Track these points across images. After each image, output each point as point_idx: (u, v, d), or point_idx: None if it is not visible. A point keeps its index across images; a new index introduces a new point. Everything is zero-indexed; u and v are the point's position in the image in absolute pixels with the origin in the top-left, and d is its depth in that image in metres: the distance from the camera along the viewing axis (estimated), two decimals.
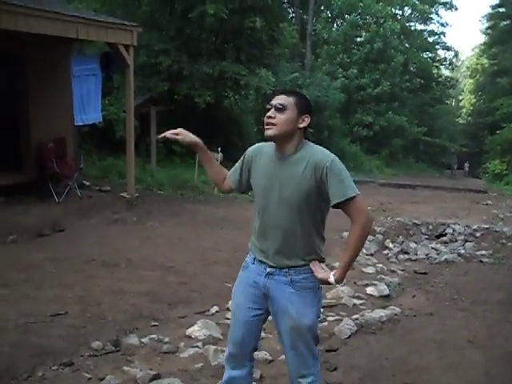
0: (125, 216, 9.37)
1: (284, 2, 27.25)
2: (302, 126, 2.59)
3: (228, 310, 4.83)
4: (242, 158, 2.83)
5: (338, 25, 37.85)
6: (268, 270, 2.66)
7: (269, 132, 2.58)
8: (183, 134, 2.79)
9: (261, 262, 2.69)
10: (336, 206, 2.52)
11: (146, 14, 18.27)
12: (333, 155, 2.57)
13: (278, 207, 2.59)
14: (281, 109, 2.56)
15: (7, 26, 7.81)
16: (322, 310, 5.04)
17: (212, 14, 15.92)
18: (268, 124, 2.58)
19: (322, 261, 2.66)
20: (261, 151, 2.73)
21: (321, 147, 2.63)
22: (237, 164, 2.85)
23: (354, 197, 2.48)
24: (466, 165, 40.42)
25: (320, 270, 2.59)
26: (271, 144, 2.67)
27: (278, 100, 2.59)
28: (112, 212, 9.44)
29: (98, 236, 7.91)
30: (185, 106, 17.35)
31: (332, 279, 2.55)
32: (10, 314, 4.62)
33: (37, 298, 5.09)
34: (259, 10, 18.60)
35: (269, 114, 2.58)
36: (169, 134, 2.78)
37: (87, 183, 10.91)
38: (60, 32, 8.71)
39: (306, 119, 2.60)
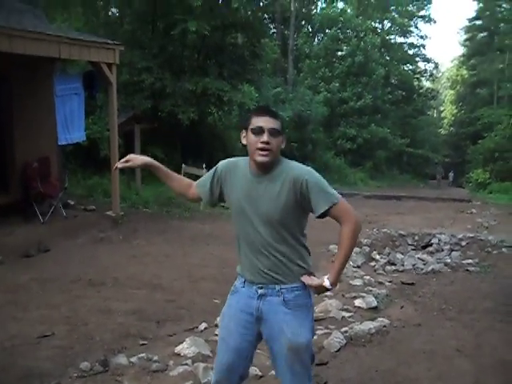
0: (110, 235, 9.33)
1: (265, 18, 27.49)
2: (283, 147, 2.60)
3: (216, 326, 4.81)
4: (212, 170, 2.77)
5: (319, 39, 38.22)
6: (260, 291, 2.62)
7: (265, 159, 2.52)
8: (132, 159, 2.82)
9: (251, 283, 2.65)
10: (323, 215, 2.53)
11: (128, 33, 18.36)
12: (308, 168, 2.59)
13: (258, 225, 2.58)
14: (275, 133, 2.53)
15: None
16: None
17: (194, 31, 16.05)
18: (264, 150, 2.51)
19: (310, 273, 2.65)
20: (234, 168, 2.69)
21: (295, 162, 2.63)
22: (206, 176, 2.80)
23: (338, 201, 2.52)
24: (451, 174, 40.70)
25: (311, 280, 2.59)
26: (245, 160, 2.65)
27: (271, 124, 2.52)
28: (98, 231, 9.40)
29: (84, 255, 7.86)
30: (168, 123, 17.38)
31: (327, 283, 2.55)
32: None
33: (23, 320, 5.04)
34: (241, 27, 18.76)
35: (265, 139, 2.50)
36: (119, 164, 2.81)
37: (72, 202, 10.85)
38: (43, 52, 8.71)
39: (284, 140, 2.61)
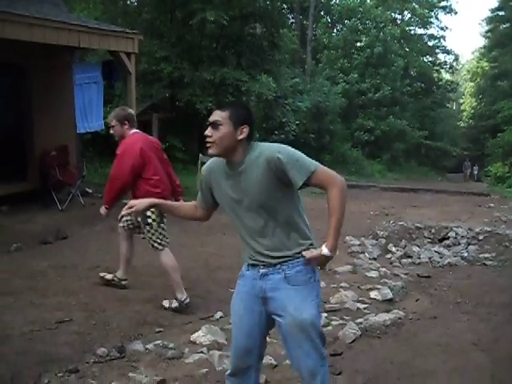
0: None
1: (284, 8, 27.33)
2: (241, 137, 2.62)
3: None
4: (200, 179, 2.92)
5: (338, 30, 37.97)
6: (261, 270, 2.69)
7: (209, 151, 2.65)
8: (136, 204, 2.91)
9: (254, 265, 2.73)
10: (304, 185, 2.56)
11: (147, 22, 18.38)
12: (278, 144, 2.65)
13: (249, 213, 2.66)
14: (215, 126, 2.60)
15: (10, 36, 7.86)
16: (326, 314, 5.09)
17: (212, 21, 16.01)
18: (207, 142, 2.63)
19: (311, 247, 2.68)
20: (213, 168, 2.80)
21: (267, 143, 2.69)
22: (198, 188, 2.93)
23: (316, 169, 2.55)
24: (476, 168, 39.43)
25: (310, 253, 2.60)
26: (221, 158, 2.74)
27: (213, 117, 2.63)
28: (115, 219, 9.42)
29: (101, 243, 7.91)
30: (186, 112, 17.40)
31: (325, 250, 2.55)
32: (16, 321, 4.63)
33: (42, 306, 5.10)
34: (259, 17, 18.70)
35: (206, 132, 2.62)
36: (124, 212, 2.95)
37: (90, 190, 10.94)
38: (62, 41, 8.78)
39: (244, 130, 2.63)
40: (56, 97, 10.35)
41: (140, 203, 2.93)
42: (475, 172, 39.05)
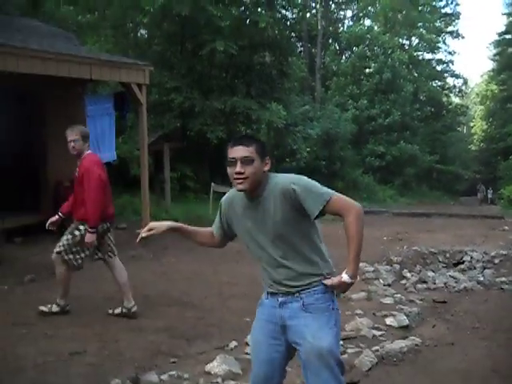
0: (141, 252, 9.39)
1: (292, 37, 27.65)
2: (266, 169, 2.67)
3: (247, 344, 4.79)
4: (218, 209, 2.94)
5: (346, 57, 38.26)
6: (280, 299, 2.70)
7: (241, 187, 2.64)
8: (156, 226, 2.90)
9: (273, 294, 2.74)
10: (321, 215, 2.58)
11: (158, 53, 18.65)
12: (295, 176, 2.67)
13: (267, 245, 2.68)
14: (248, 162, 2.61)
15: (25, 70, 8.00)
16: (341, 342, 5.02)
17: (222, 51, 16.21)
18: (238, 179, 2.62)
19: (329, 276, 2.69)
20: (233, 199, 2.83)
21: (282, 174, 2.71)
22: (217, 217, 2.97)
23: (331, 197, 2.56)
24: (490, 191, 37.81)
25: (330, 281, 2.63)
26: None
27: (241, 153, 2.62)
28: (128, 249, 9.46)
29: None
30: (197, 142, 17.53)
31: (345, 277, 2.58)
32: (29, 353, 4.62)
33: (55, 337, 5.09)
34: (268, 46, 18.93)
35: (237, 169, 2.60)
36: (143, 233, 2.91)
37: None
38: (75, 73, 8.90)
39: (268, 162, 2.68)
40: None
41: (161, 226, 2.92)
42: (489, 195, 38.07)
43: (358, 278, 7.83)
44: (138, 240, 2.97)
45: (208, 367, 4.42)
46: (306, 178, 2.66)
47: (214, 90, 17.93)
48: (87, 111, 10.31)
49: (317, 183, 2.63)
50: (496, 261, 9.99)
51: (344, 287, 2.63)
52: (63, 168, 10.25)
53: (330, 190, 2.60)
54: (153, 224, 2.93)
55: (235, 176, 2.62)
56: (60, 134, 10.21)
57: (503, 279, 8.66)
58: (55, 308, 5.72)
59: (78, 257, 5.64)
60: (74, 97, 10.45)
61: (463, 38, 42.62)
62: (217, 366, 4.40)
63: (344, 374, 2.75)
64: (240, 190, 2.67)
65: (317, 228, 2.75)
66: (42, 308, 5.70)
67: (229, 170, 2.65)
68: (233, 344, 5.09)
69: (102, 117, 10.59)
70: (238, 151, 2.62)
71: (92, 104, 10.48)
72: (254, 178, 2.62)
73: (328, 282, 2.63)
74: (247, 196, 2.70)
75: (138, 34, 21.82)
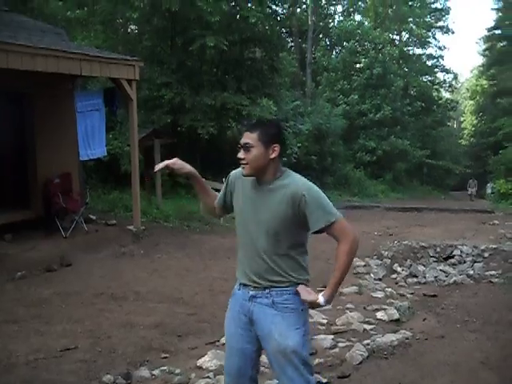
0: (132, 249, 9.39)
1: (283, 32, 27.59)
2: (273, 156, 2.66)
3: None
4: (226, 179, 2.91)
5: (337, 52, 38.24)
6: (251, 292, 2.72)
7: (243, 171, 2.71)
8: (179, 164, 2.82)
9: (245, 285, 2.76)
10: (318, 232, 2.60)
11: (148, 49, 18.55)
12: (309, 184, 2.66)
13: (256, 230, 2.68)
14: (246, 148, 2.64)
15: (14, 66, 7.94)
16: (332, 336, 5.06)
17: (212, 47, 16.16)
18: (242, 164, 2.69)
19: (306, 283, 2.70)
20: (241, 176, 2.80)
21: (299, 176, 2.70)
22: (222, 188, 2.93)
23: (336, 220, 2.57)
24: (489, 185, 34.16)
25: (307, 294, 2.63)
26: None
27: (244, 139, 2.66)
28: (119, 245, 9.46)
29: (105, 270, 7.92)
30: (188, 137, 17.49)
31: (321, 300, 2.60)
32: (21, 350, 4.62)
33: (46, 333, 5.09)
34: (259, 41, 18.88)
35: (239, 155, 2.67)
36: (164, 164, 2.80)
37: (93, 217, 10.94)
38: (64, 69, 8.85)
39: (275, 149, 2.67)
40: (58, 124, 10.42)
41: (184, 166, 2.82)
42: (488, 190, 33.66)
43: (349, 272, 7.88)
44: (156, 169, 2.86)
45: (199, 362, 4.44)
46: (317, 189, 2.65)
47: (205, 86, 17.87)
48: (77, 107, 10.28)
49: (326, 199, 2.63)
50: (486, 255, 10.06)
51: (314, 306, 2.66)
52: (52, 165, 10.23)
53: (337, 213, 2.61)
54: (177, 160, 2.83)
55: (240, 161, 2.69)
56: (49, 130, 10.24)
57: (493, 273, 8.73)
58: None
59: None
60: (64, 93, 10.40)
61: (453, 33, 42.77)
62: (208, 360, 4.43)
63: (312, 373, 2.75)
64: (243, 175, 2.72)
65: (307, 238, 2.76)
66: None
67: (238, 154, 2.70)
68: (224, 339, 5.09)
69: (92, 112, 10.55)
70: (244, 137, 2.67)
71: (82, 100, 10.44)
72: (254, 164, 2.64)
73: (302, 294, 2.63)
74: (257, 180, 2.72)
75: (128, 30, 21.70)
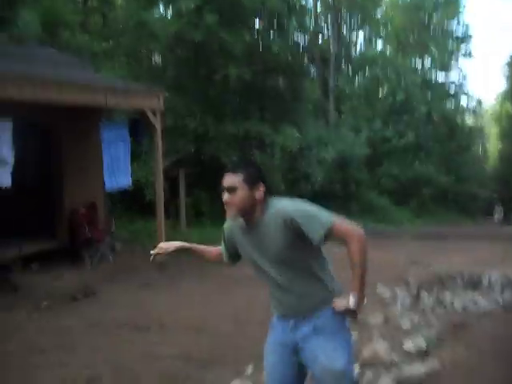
0: (156, 278, 9.39)
1: (304, 60, 27.77)
2: (258, 197, 2.65)
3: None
4: (222, 235, 2.96)
5: (359, 79, 38.37)
6: (291, 322, 2.71)
7: (229, 213, 2.69)
8: (165, 248, 3.01)
9: (283, 317, 2.76)
10: (323, 242, 2.58)
11: (171, 79, 18.80)
12: (294, 202, 2.65)
13: (271, 268, 2.67)
14: (232, 191, 2.63)
15: (42, 99, 8.11)
16: (358, 367, 4.96)
17: (235, 76, 16.33)
18: (227, 206, 2.67)
19: (336, 294, 2.70)
20: (233, 225, 2.83)
21: (283, 200, 2.70)
22: (222, 244, 2.98)
23: (332, 224, 2.54)
24: None
25: (339, 303, 2.62)
26: None
27: (227, 182, 2.66)
28: (143, 274, 9.48)
29: (129, 299, 7.92)
30: (211, 166, 17.58)
31: (351, 302, 2.56)
32: (45, 380, 4.62)
33: (71, 364, 5.09)
34: (281, 70, 19.03)
35: (224, 198, 2.66)
36: (153, 251, 3.03)
37: (118, 247, 11.01)
38: (90, 101, 9.01)
39: (260, 188, 2.66)
40: (84, 155, 10.58)
41: (169, 246, 3.01)
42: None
43: (375, 300, 7.76)
44: (151, 259, 3.03)
45: None
46: (306, 204, 2.64)
47: (228, 115, 18.02)
48: (102, 138, 10.43)
49: (317, 209, 2.61)
50: None
51: (351, 314, 2.63)
52: (78, 195, 10.36)
53: (331, 216, 2.58)
54: (161, 245, 3.01)
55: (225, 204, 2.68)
56: (76, 161, 10.39)
57: None
58: None
59: None
60: (90, 124, 10.58)
61: (476, 58, 42.62)
62: None
63: None
64: (231, 218, 2.72)
65: (321, 251, 2.74)
66: None
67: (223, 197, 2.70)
68: (250, 369, 5.05)
69: (118, 143, 10.69)
70: (225, 180, 2.67)
71: (107, 131, 10.60)
72: (240, 206, 2.63)
73: (335, 305, 2.63)
74: (245, 221, 2.71)
75: (152, 60, 22.06)
